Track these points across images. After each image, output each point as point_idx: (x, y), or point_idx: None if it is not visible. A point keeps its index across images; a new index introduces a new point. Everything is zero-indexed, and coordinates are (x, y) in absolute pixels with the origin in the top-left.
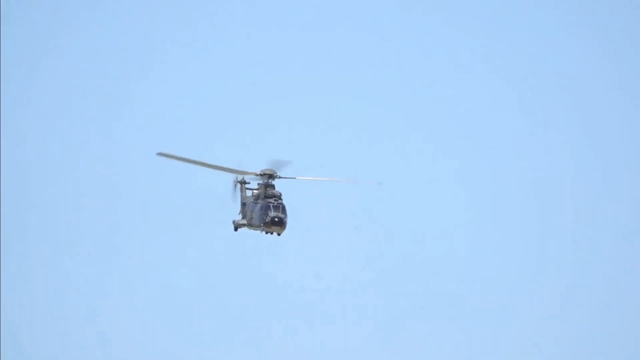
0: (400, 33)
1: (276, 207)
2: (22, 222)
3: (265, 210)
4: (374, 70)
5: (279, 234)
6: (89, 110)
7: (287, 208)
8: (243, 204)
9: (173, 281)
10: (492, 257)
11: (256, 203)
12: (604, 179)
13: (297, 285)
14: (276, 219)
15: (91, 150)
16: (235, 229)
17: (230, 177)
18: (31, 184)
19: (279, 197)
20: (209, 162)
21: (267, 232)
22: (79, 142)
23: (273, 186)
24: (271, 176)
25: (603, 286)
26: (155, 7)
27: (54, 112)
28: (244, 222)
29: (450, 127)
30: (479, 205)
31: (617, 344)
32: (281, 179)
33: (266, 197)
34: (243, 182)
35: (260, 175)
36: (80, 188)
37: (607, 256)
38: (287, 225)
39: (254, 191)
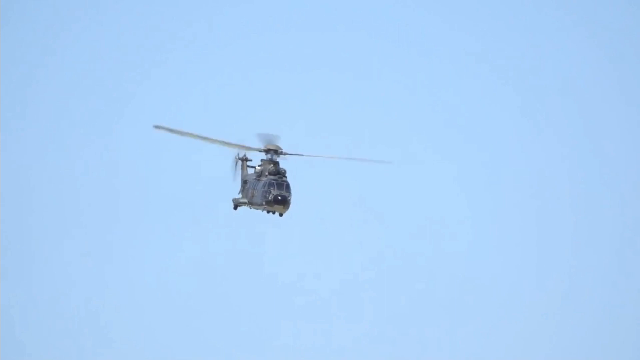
0: (401, 33)
1: (280, 185)
2: (21, 222)
3: (268, 187)
4: (379, 66)
5: (281, 214)
6: (88, 109)
7: (291, 186)
8: (244, 182)
9: (173, 270)
10: (492, 255)
11: (258, 180)
12: (604, 179)
13: (297, 273)
14: (279, 197)
15: (90, 149)
16: (235, 208)
17: (232, 154)
18: (31, 183)
19: (284, 174)
20: (211, 137)
21: (268, 212)
22: (77, 140)
23: (277, 163)
24: (275, 152)
25: (603, 286)
26: (153, 7)
27: (53, 111)
28: (244, 200)
29: (449, 126)
30: (480, 203)
31: (617, 344)
32: (286, 155)
33: (269, 174)
34: (244, 159)
35: (264, 151)
36: (79, 185)
37: (607, 256)
38: (291, 205)
39: (257, 167)
